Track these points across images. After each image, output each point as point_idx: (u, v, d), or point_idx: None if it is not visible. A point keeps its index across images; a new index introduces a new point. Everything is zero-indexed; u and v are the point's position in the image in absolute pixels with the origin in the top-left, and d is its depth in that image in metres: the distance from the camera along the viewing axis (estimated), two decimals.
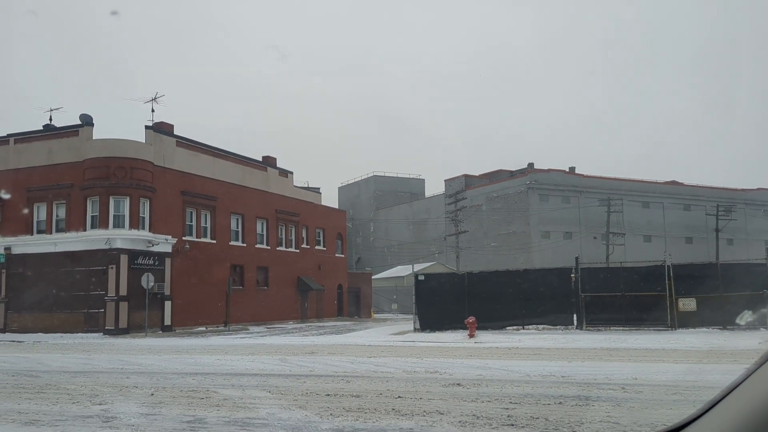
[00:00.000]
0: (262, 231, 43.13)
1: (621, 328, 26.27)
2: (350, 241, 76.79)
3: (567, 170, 70.66)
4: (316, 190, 52.80)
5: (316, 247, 49.21)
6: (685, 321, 25.67)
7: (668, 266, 26.40)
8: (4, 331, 32.84)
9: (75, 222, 32.75)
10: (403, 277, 64.93)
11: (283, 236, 45.20)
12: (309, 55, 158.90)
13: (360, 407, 8.80)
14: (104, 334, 30.77)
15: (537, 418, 7.91)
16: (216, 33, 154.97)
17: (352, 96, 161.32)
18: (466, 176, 75.62)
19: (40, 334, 31.32)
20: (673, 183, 73.95)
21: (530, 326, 27.78)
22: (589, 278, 27.73)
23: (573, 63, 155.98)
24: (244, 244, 40.98)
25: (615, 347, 19.00)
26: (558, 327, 27.51)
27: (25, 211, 33.91)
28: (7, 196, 34.01)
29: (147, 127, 34.82)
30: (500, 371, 12.97)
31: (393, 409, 8.59)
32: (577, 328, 27.10)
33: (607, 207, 56.39)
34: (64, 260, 32.59)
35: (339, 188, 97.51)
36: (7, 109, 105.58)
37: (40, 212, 34.02)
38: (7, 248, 33.29)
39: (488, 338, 23.65)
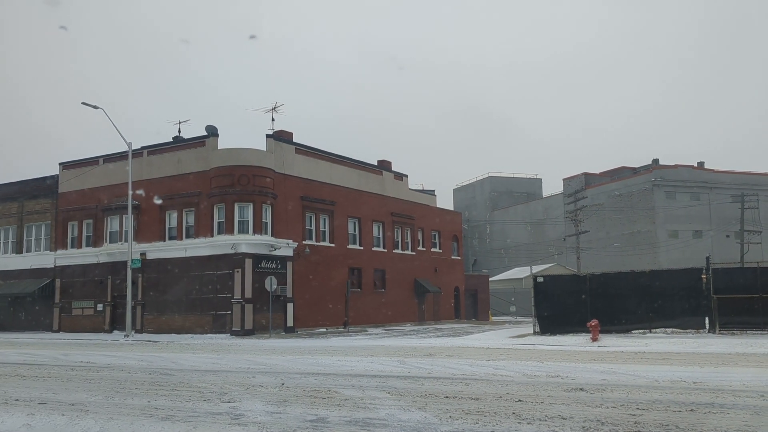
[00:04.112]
0: (379, 234, 43.67)
1: (758, 332, 24.55)
2: (466, 243, 76.35)
3: (695, 165, 67.01)
4: (431, 193, 52.84)
5: (432, 249, 49.25)
6: None
7: None
8: (140, 331, 35.02)
9: (203, 228, 34.45)
10: (521, 278, 63.83)
11: (399, 239, 45.55)
12: (419, 61, 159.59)
13: (479, 410, 8.70)
14: (231, 334, 32.14)
15: (666, 425, 7.52)
16: (329, 44, 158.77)
17: (464, 100, 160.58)
18: (585, 174, 73.38)
19: (173, 335, 33.17)
20: None
21: (657, 330, 26.51)
22: (722, 279, 26.12)
23: (698, 53, 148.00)
24: (362, 247, 41.64)
25: (752, 352, 17.79)
26: (688, 331, 26.10)
27: (158, 218, 36.08)
28: (137, 204, 36.30)
29: (268, 136, 36.10)
30: (626, 376, 12.45)
31: (513, 413, 8.43)
32: (708, 332, 25.61)
33: (741, 203, 52.95)
34: (194, 264, 34.38)
35: (454, 190, 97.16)
36: (140, 124, 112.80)
37: (172, 219, 36.02)
38: (143, 254, 35.48)
39: (612, 342, 22.79)
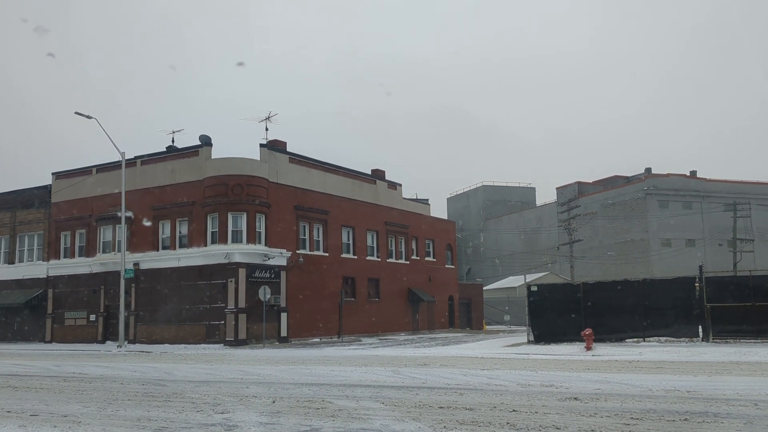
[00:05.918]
0: (373, 243, 43.66)
1: (752, 341, 24.64)
2: (460, 252, 76.41)
3: (688, 174, 67.34)
4: (425, 202, 52.91)
5: (426, 259, 49.26)
6: None
7: None
8: (134, 341, 34.85)
9: (196, 238, 34.37)
10: (515, 287, 63.87)
11: (393, 248, 45.56)
12: (411, 69, 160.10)
13: (474, 420, 8.69)
14: (224, 345, 32.02)
15: None
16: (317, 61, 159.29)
17: (456, 110, 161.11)
18: (579, 183, 73.65)
19: (166, 345, 33.02)
20: None
21: (651, 338, 26.57)
22: (715, 287, 26.23)
23: (691, 59, 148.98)
24: (355, 257, 41.61)
25: (745, 361, 17.83)
26: (681, 339, 26.17)
27: (152, 228, 35.97)
28: (130, 214, 36.23)
29: (261, 145, 36.12)
30: (620, 385, 12.46)
31: (507, 423, 8.42)
32: (702, 341, 25.68)
33: (733, 212, 53.20)
34: (187, 274, 34.27)
35: (448, 199, 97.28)
36: (134, 133, 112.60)
37: (165, 229, 35.91)
38: (136, 263, 35.34)
39: (606, 351, 22.81)
